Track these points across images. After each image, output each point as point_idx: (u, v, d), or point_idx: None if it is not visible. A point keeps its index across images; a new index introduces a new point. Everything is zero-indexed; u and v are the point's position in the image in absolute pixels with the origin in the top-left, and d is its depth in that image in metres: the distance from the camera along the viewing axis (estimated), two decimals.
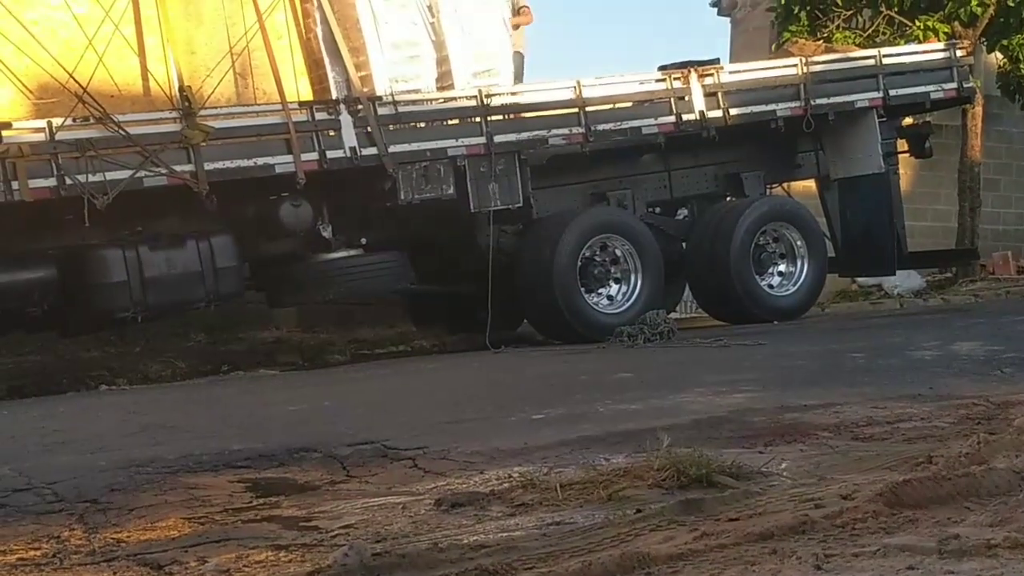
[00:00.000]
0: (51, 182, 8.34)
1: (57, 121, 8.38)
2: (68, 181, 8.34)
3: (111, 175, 8.46)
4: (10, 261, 8.55)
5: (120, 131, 8.53)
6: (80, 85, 8.53)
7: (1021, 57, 15.17)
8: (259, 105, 9.27)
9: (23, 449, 5.36)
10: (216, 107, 9.04)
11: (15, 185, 8.19)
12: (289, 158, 9.07)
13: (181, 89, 8.86)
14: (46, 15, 8.65)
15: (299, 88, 9.50)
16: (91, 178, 8.39)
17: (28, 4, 8.58)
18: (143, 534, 3.66)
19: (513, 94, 10.18)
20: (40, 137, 8.34)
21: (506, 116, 9.99)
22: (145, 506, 4.01)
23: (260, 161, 9.02)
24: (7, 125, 8.28)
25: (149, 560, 3.28)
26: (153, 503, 4.05)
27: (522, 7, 11.53)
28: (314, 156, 9.18)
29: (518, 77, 10.81)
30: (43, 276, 8.66)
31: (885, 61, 11.71)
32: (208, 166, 8.78)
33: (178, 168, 8.70)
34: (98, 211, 8.37)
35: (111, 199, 8.41)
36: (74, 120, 8.45)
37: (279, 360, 9.93)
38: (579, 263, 10.03)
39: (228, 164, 8.90)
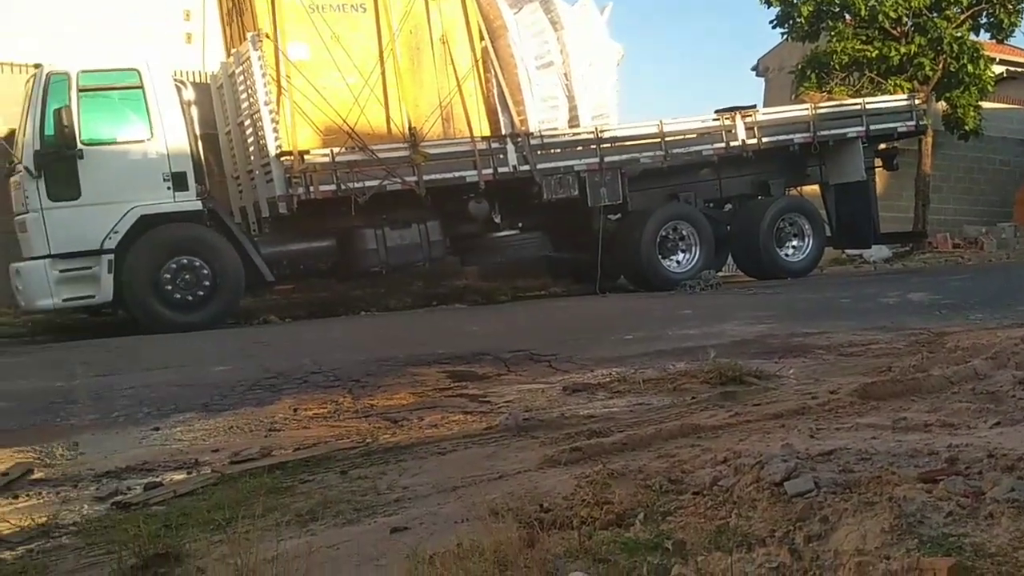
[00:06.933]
0: (332, 187, 8.65)
1: (336, 149, 8.67)
2: (342, 186, 8.63)
3: (368, 183, 8.72)
4: (309, 235, 8.92)
5: (374, 156, 8.77)
6: (350, 127, 8.79)
7: (958, 104, 14.90)
8: (457, 139, 9.37)
9: (317, 348, 5.66)
10: (431, 141, 9.17)
11: (311, 189, 8.52)
12: (475, 172, 9.18)
13: (410, 129, 9.04)
14: (330, 83, 8.90)
15: (482, 127, 9.56)
16: (355, 185, 8.66)
17: (319, 75, 8.84)
18: (386, 401, 3.83)
19: (617, 130, 10.02)
20: (326, 159, 8.65)
21: (612, 144, 9.85)
22: (387, 385, 4.20)
23: (457, 174, 9.15)
24: (307, 152, 8.61)
25: (389, 417, 3.44)
26: (391, 384, 4.23)
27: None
28: (490, 171, 9.25)
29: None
30: (327, 245, 9.01)
31: (868, 107, 11.21)
32: (426, 177, 8.95)
33: (408, 178, 8.90)
34: (360, 205, 8.66)
35: (368, 198, 8.68)
36: (346, 149, 8.72)
37: (467, 299, 10.08)
38: (658, 239, 9.88)
39: (437, 176, 9.05)
